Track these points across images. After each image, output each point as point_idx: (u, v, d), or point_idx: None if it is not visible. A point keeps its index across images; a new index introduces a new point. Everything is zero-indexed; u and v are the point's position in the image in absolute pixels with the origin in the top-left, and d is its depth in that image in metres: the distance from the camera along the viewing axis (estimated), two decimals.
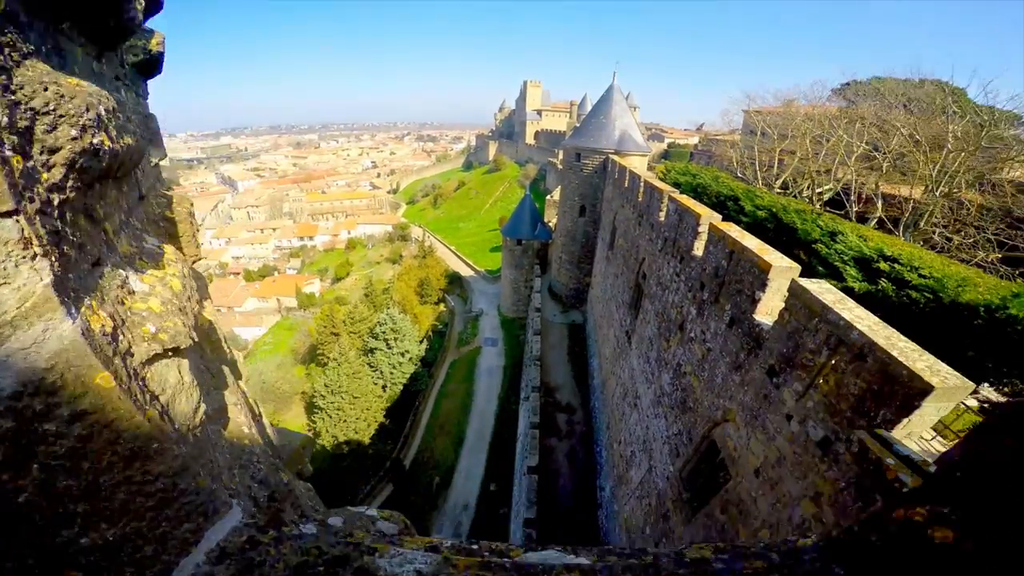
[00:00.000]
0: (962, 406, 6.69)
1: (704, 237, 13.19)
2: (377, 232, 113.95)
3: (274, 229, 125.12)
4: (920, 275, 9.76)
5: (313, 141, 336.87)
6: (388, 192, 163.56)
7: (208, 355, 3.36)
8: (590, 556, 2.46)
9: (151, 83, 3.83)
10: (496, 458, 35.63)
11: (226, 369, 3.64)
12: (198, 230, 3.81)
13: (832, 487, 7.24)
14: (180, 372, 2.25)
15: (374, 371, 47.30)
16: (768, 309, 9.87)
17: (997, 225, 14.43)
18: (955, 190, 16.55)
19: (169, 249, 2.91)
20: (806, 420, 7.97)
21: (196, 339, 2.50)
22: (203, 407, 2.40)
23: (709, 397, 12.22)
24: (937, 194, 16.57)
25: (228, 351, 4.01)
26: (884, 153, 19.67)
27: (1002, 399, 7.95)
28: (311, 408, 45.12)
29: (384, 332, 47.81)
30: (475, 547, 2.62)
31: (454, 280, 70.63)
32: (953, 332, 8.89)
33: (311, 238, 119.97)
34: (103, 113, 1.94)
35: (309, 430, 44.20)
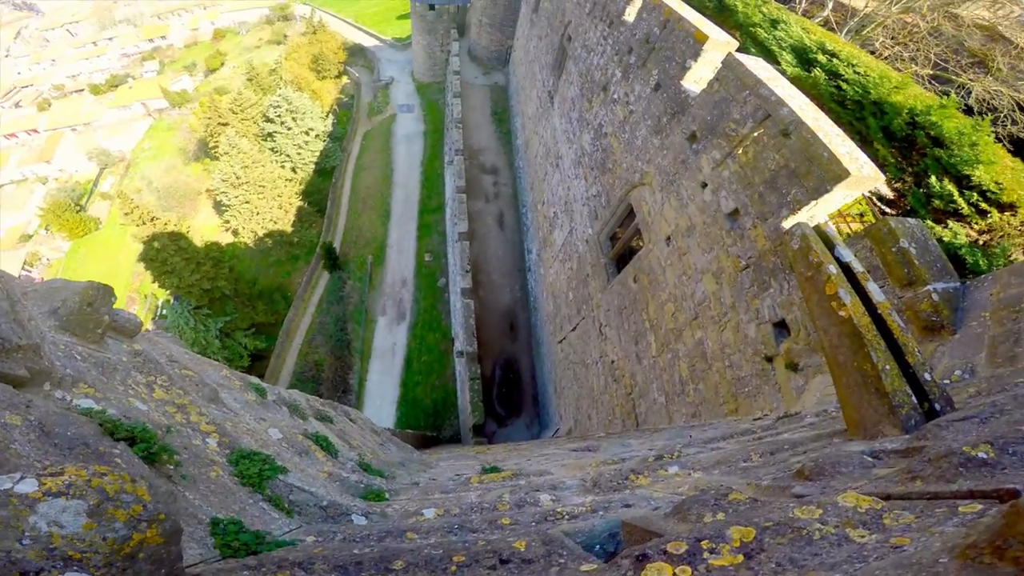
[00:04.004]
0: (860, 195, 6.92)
1: (638, 4, 12.80)
2: (250, 17, 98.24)
3: (110, 39, 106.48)
4: (856, 71, 10.24)
5: None
6: None
7: None
8: None
9: None
10: (427, 227, 36.18)
11: None
12: None
13: (734, 265, 7.49)
14: None
15: (278, 155, 44.01)
16: (696, 78, 9.83)
17: (942, 48, 14.60)
18: (912, 9, 16.10)
19: None
20: (719, 190, 8.04)
21: None
22: None
23: (628, 159, 12.41)
24: (894, 8, 16.02)
25: None
26: None
27: (891, 194, 8.96)
28: (220, 207, 42.34)
29: (280, 114, 43.11)
30: None
31: (355, 52, 62.73)
32: (865, 127, 9.78)
33: (163, 37, 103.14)
34: None
35: (226, 230, 42.29)
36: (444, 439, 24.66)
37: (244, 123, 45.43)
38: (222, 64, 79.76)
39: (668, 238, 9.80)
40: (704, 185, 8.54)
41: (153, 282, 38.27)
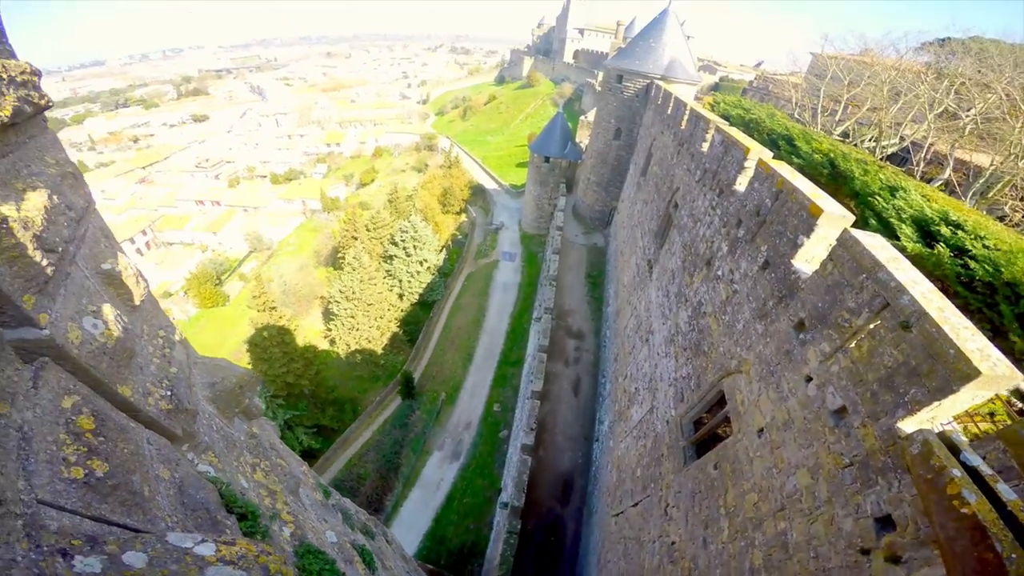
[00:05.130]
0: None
1: (750, 172, 12.32)
2: (404, 141, 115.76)
3: (301, 135, 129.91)
4: (985, 245, 8.93)
5: (344, 51, 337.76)
6: (418, 103, 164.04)
7: None
8: None
9: None
10: (503, 378, 36.19)
11: None
12: None
13: (835, 462, 6.79)
14: None
15: (391, 279, 47.34)
16: (809, 256, 9.04)
17: None
18: None
19: None
20: (826, 385, 7.41)
21: None
22: None
23: (726, 343, 11.62)
24: (1022, 164, 14.77)
25: None
26: (969, 114, 17.41)
27: None
28: (328, 315, 45.66)
29: (404, 240, 47.14)
30: None
31: (477, 192, 69.68)
32: (997, 314, 8.29)
33: (338, 145, 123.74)
34: None
35: (325, 337, 45.29)
36: None
37: (372, 241, 50.15)
38: (372, 180, 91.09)
39: (760, 430, 9.10)
40: (809, 379, 7.79)
41: (248, 364, 41.02)
